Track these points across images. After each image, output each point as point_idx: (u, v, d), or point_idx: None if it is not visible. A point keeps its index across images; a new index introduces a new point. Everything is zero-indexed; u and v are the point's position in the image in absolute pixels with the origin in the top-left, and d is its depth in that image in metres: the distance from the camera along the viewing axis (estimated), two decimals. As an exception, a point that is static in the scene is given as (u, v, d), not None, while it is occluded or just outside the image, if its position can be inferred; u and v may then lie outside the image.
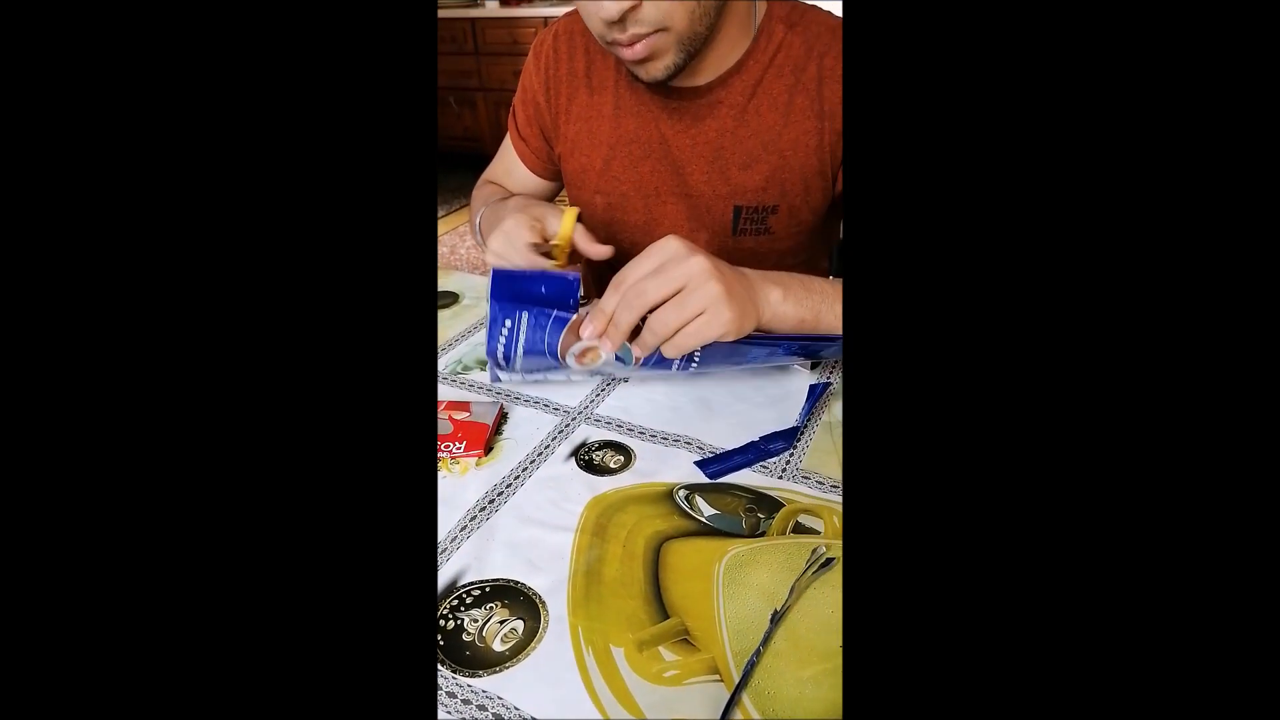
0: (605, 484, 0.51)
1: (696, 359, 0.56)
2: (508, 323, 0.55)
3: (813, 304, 0.57)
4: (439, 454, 0.53)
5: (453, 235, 2.21)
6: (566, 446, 0.54)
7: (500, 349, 0.56)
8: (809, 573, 0.42)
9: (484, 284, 0.89)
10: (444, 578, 0.43)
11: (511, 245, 0.60)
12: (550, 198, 0.88)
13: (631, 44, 0.59)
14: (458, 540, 0.46)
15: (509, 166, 0.85)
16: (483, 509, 0.48)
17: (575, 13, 0.71)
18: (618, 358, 0.55)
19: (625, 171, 0.74)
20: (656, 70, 0.62)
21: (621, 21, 0.57)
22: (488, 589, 0.42)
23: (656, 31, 0.58)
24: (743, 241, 0.73)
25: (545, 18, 2.83)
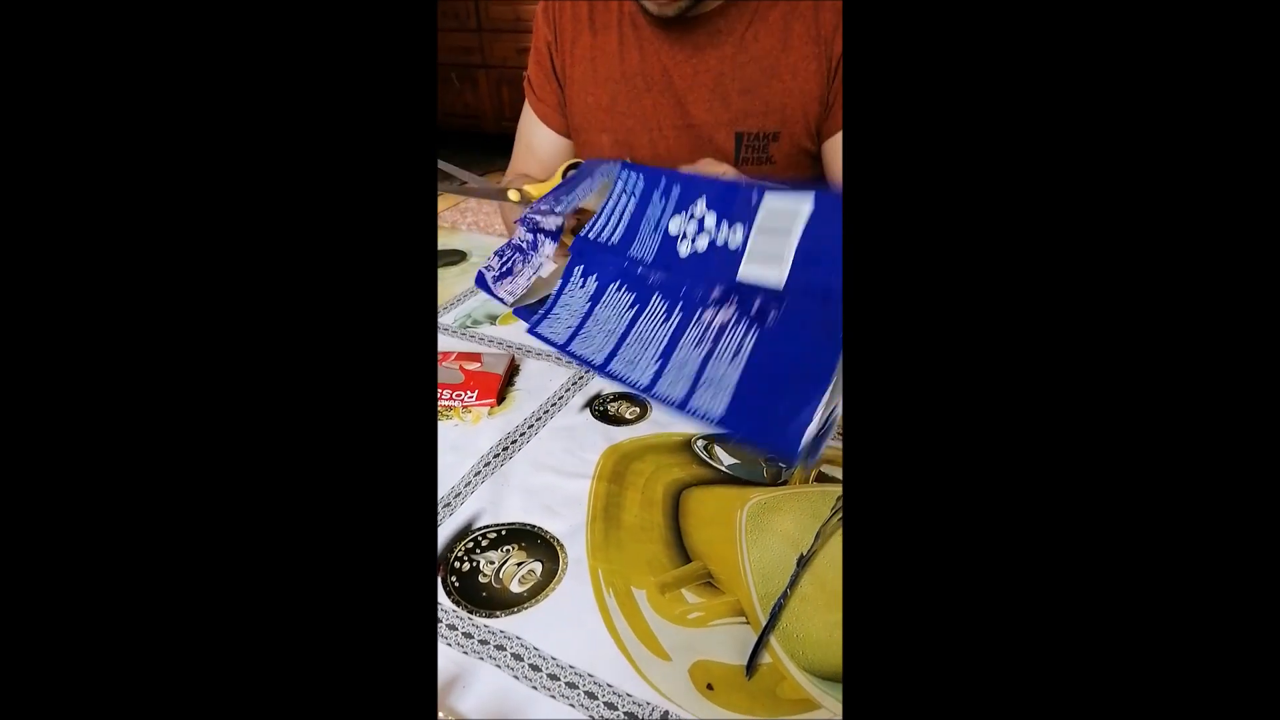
0: (621, 434, 0.49)
1: None
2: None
3: None
4: (450, 402, 0.52)
5: (453, 211, 2.17)
6: (580, 398, 0.53)
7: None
8: (834, 518, 0.41)
9: (490, 243, 0.87)
10: (458, 521, 0.42)
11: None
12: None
13: None
14: (472, 485, 0.44)
15: (529, 139, 0.83)
16: (496, 456, 0.47)
17: None
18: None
19: (630, 106, 0.73)
20: (668, 8, 0.64)
21: None
22: (503, 532, 0.41)
23: None
24: (745, 170, 0.72)
25: (549, -5, 2.79)
